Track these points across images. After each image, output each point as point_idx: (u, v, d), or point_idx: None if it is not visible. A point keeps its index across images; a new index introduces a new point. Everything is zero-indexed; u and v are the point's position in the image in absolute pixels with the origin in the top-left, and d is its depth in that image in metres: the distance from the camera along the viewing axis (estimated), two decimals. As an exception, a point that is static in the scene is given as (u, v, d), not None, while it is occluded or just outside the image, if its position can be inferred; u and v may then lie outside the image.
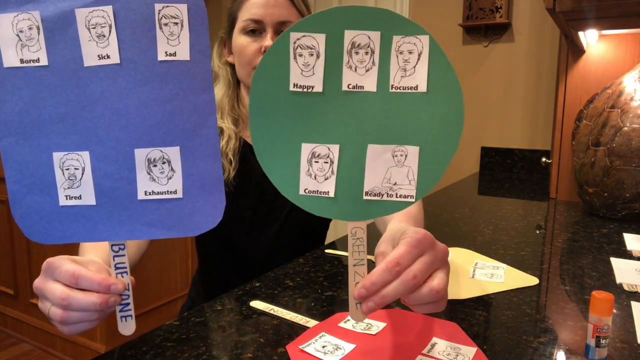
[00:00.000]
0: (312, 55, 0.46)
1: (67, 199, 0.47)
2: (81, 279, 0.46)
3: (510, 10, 1.97)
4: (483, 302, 0.70)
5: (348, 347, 0.57)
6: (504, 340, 0.59)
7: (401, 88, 0.47)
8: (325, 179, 0.48)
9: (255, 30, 0.87)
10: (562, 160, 1.51)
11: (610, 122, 1.23)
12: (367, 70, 0.46)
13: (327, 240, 1.02)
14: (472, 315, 0.66)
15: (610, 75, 1.41)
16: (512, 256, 0.92)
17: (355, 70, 0.46)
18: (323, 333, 0.60)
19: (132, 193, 0.47)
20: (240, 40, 0.88)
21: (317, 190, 0.48)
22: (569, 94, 1.49)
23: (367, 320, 0.63)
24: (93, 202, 0.47)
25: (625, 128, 1.19)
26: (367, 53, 0.46)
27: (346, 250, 0.94)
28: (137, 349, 0.56)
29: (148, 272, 2.29)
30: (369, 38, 0.46)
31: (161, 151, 0.47)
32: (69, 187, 0.47)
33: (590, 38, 1.42)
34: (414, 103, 0.47)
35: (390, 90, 0.47)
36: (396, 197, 0.48)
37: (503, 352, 0.56)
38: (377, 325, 0.62)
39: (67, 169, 0.47)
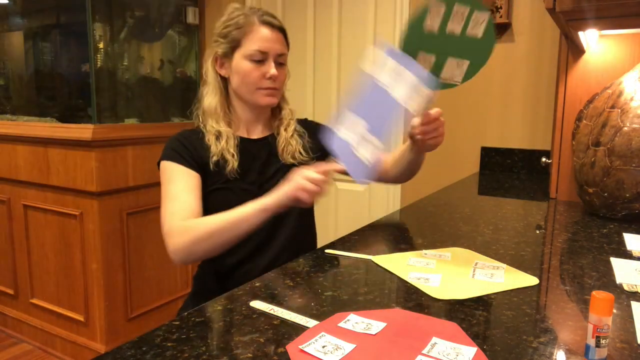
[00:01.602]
0: (439, 13, 0.89)
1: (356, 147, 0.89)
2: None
3: (510, 10, 1.97)
4: (483, 302, 0.70)
5: (348, 347, 0.57)
6: (504, 340, 0.59)
7: (470, 34, 0.89)
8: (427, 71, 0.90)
9: (261, 59, 1.08)
10: (562, 160, 1.51)
11: (610, 122, 1.23)
12: (458, 23, 0.88)
13: (327, 240, 1.02)
14: (472, 315, 0.66)
15: (610, 75, 1.41)
16: (512, 256, 0.92)
17: (454, 21, 0.89)
18: (323, 333, 0.60)
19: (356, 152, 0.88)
20: (245, 65, 1.08)
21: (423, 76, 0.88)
22: (569, 94, 1.49)
23: (367, 320, 0.63)
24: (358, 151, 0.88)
25: (625, 128, 1.19)
26: (461, 14, 0.87)
27: (345, 251, 0.95)
28: (137, 349, 0.56)
29: (148, 272, 2.29)
30: (462, 9, 0.87)
31: (376, 140, 0.87)
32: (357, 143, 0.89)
33: (590, 38, 1.42)
34: (474, 41, 0.89)
35: (465, 34, 0.89)
36: (453, 81, 0.92)
37: (503, 352, 0.56)
38: (377, 325, 0.62)
39: (358, 134, 0.89)
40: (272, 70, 1.08)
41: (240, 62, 1.08)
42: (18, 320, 2.42)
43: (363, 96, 0.91)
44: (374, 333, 0.60)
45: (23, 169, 2.24)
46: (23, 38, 2.57)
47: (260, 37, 1.07)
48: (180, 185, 1.03)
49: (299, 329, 0.61)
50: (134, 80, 2.41)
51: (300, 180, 0.91)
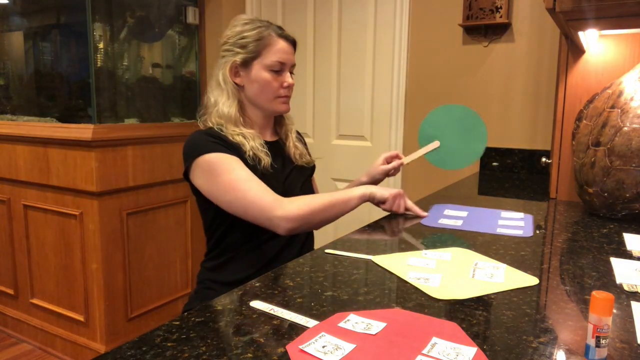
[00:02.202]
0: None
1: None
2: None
3: (510, 10, 1.97)
4: (483, 302, 0.70)
5: (348, 347, 0.57)
6: (504, 340, 0.59)
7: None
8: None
9: (279, 70, 1.16)
10: (562, 160, 1.51)
11: (610, 122, 1.23)
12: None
13: (327, 240, 1.02)
14: (472, 315, 0.66)
15: (610, 75, 1.41)
16: (512, 256, 0.92)
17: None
18: (323, 333, 0.60)
19: None
20: (265, 75, 1.15)
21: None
22: (569, 94, 1.49)
23: (367, 320, 0.63)
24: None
25: (625, 128, 1.19)
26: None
27: (345, 251, 0.95)
28: (137, 349, 0.56)
29: (148, 272, 2.29)
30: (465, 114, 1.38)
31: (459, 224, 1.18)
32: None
33: (590, 38, 1.42)
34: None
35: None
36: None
37: (503, 352, 0.56)
38: (377, 325, 0.62)
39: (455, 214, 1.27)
40: (290, 79, 1.18)
41: (259, 72, 1.15)
42: (18, 320, 2.42)
43: (480, 211, 1.31)
44: (374, 333, 0.60)
45: (23, 169, 2.24)
46: (23, 38, 2.57)
47: (280, 49, 1.16)
48: (244, 172, 1.07)
49: (299, 329, 0.61)
50: (134, 80, 2.41)
51: (400, 197, 1.18)
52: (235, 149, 1.11)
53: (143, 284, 2.27)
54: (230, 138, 1.12)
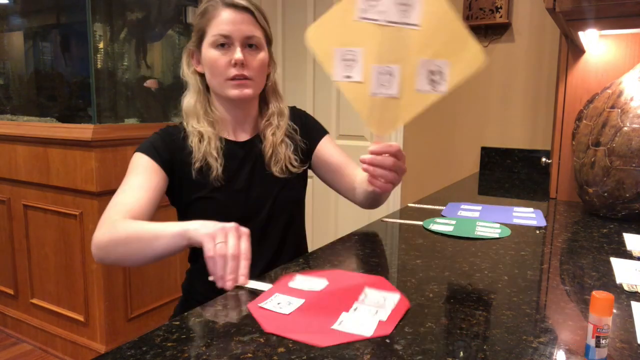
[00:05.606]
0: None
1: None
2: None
3: (510, 10, 1.97)
4: (483, 302, 0.70)
5: (298, 302, 0.68)
6: (504, 340, 0.59)
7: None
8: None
9: (224, 44, 0.97)
10: (562, 160, 1.51)
11: (610, 122, 1.23)
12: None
13: (327, 241, 1.02)
14: (472, 315, 0.66)
15: (610, 75, 1.41)
16: (512, 256, 0.92)
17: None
18: (277, 293, 0.71)
19: None
20: (210, 53, 0.98)
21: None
22: (569, 94, 1.49)
23: (312, 278, 0.76)
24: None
25: (625, 128, 1.19)
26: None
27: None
28: (137, 349, 0.56)
29: (148, 272, 2.29)
30: None
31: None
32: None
33: (590, 38, 1.42)
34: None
35: None
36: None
37: (503, 352, 0.56)
38: (320, 283, 0.74)
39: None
40: (237, 54, 0.96)
41: (206, 52, 0.99)
42: (18, 320, 2.42)
43: (493, 207, 1.34)
44: (318, 289, 0.72)
45: (23, 169, 2.24)
46: (23, 38, 2.57)
47: (223, 20, 0.97)
48: (139, 179, 0.95)
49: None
50: (134, 80, 2.41)
51: (218, 246, 0.74)
52: (177, 159, 0.99)
53: (143, 284, 2.27)
54: (189, 140, 1.00)
